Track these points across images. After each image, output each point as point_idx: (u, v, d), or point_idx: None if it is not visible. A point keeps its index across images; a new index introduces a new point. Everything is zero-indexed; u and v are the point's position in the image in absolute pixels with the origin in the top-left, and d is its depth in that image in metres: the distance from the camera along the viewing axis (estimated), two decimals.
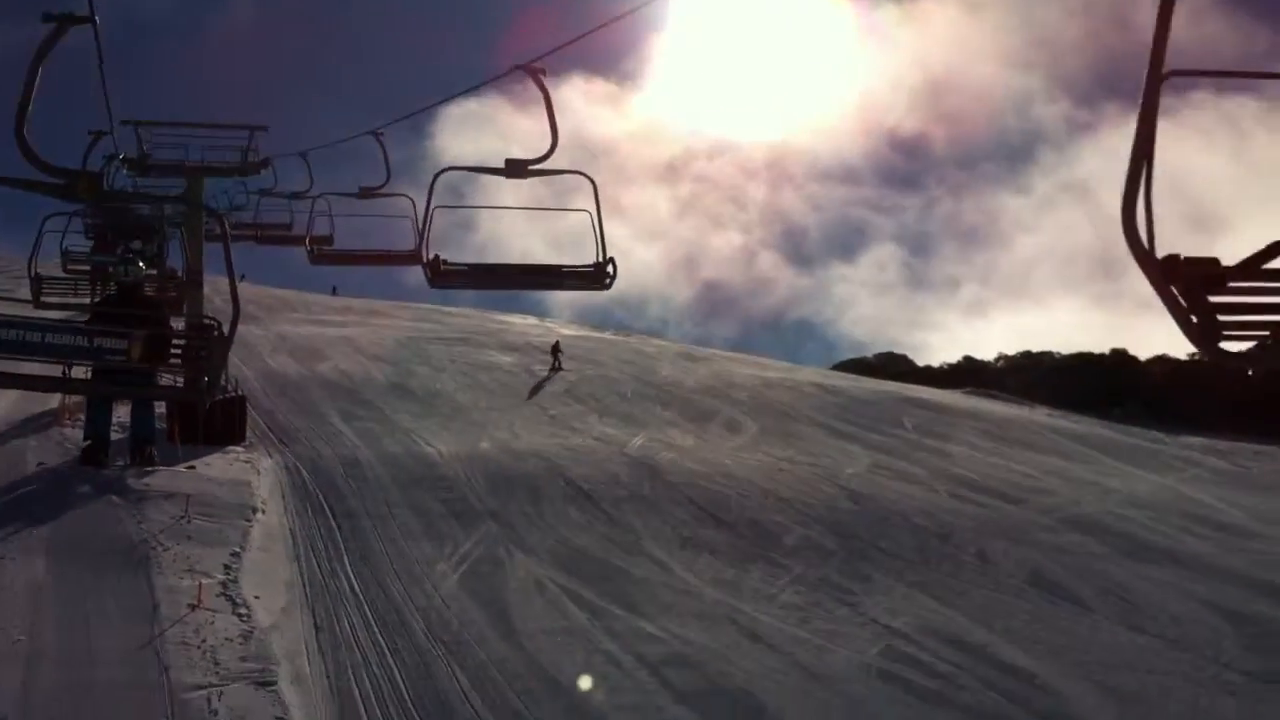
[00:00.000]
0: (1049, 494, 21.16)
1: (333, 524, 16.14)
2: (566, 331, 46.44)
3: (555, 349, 33.84)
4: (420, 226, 17.01)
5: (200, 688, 9.85)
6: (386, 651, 11.63)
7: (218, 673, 10.22)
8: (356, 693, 10.59)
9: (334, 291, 55.87)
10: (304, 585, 13.56)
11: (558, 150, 15.54)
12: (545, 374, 31.61)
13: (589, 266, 16.57)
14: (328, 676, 10.90)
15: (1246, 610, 14.60)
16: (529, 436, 22.45)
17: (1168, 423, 50.47)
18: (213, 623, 11.43)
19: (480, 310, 56.49)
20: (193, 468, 17.50)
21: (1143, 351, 76.04)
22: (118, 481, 16.28)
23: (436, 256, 16.31)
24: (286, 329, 37.02)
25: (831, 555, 16.13)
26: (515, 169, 15.57)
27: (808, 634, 12.93)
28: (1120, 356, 78.47)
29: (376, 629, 12.26)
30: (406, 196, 25.45)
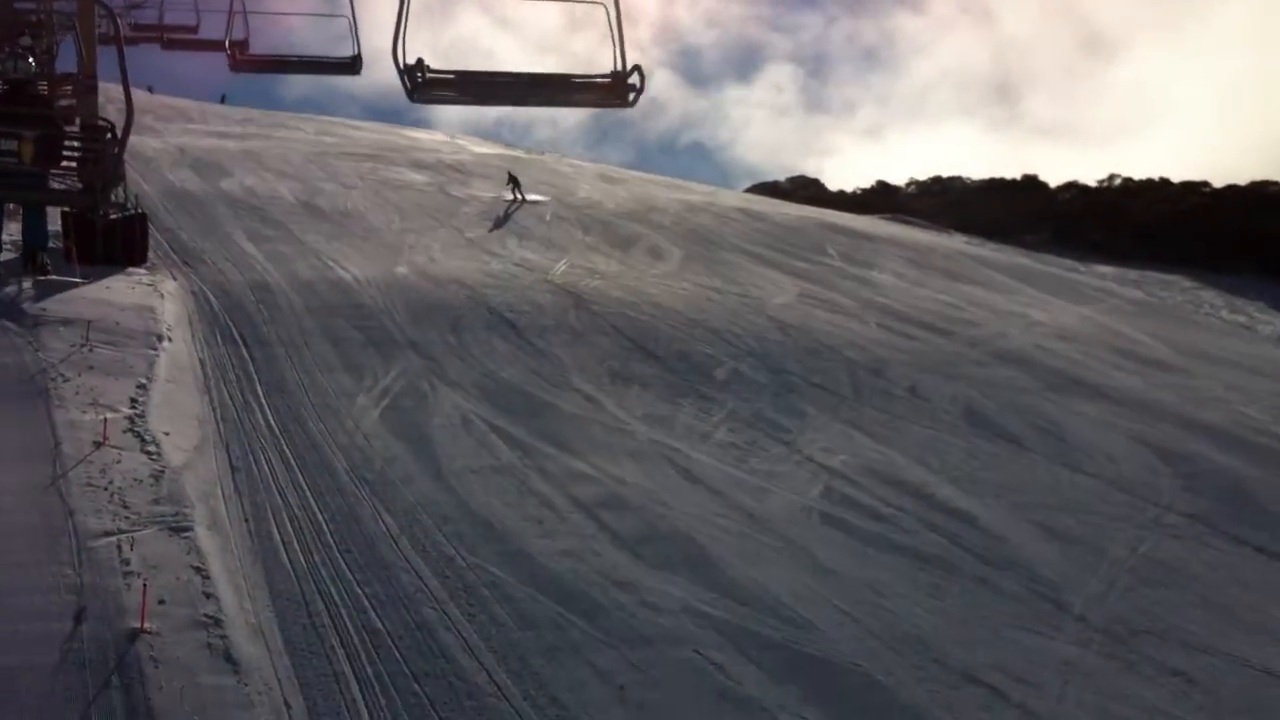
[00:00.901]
0: (976, 325, 20.94)
1: (245, 354, 15.34)
2: (478, 149, 45.06)
3: (514, 179, 30.94)
4: (396, 27, 13.80)
5: (109, 534, 9.20)
6: (308, 493, 11.02)
7: (128, 517, 9.56)
8: (278, 538, 9.99)
9: (222, 100, 53.47)
10: (217, 421, 12.83)
11: None
12: (509, 207, 29.10)
13: (606, 76, 14.42)
14: (246, 520, 10.28)
15: (1180, 449, 14.54)
16: (447, 261, 21.60)
17: (1078, 249, 50.99)
18: (120, 461, 10.71)
19: (385, 124, 54.64)
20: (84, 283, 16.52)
21: (1052, 178, 76.25)
22: (11, 305, 15.27)
23: (419, 61, 13.89)
24: (187, 141, 35.23)
25: (764, 389, 15.74)
26: None
27: (745, 474, 12.57)
28: (1031, 182, 78.66)
29: (296, 468, 11.62)
30: None
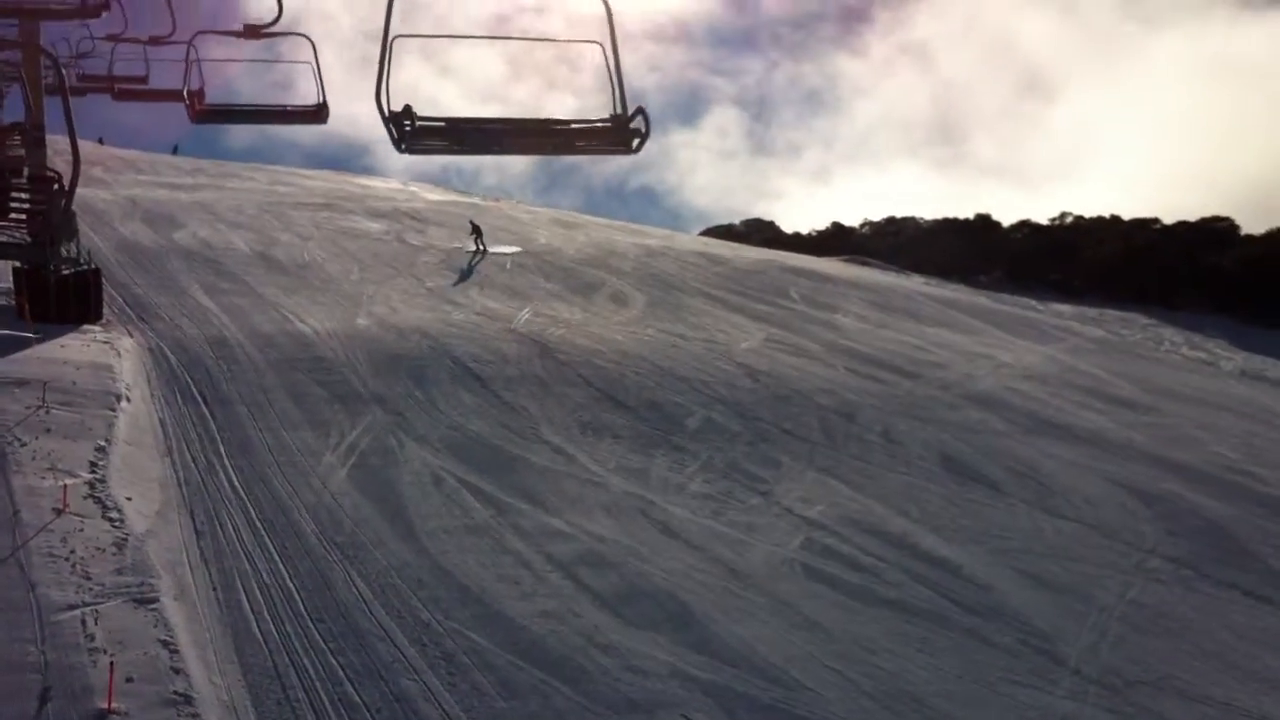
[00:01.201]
0: (943, 367, 20.84)
1: (205, 412, 14.94)
2: (431, 196, 44.79)
3: (476, 229, 29.88)
4: (380, 72, 12.11)
5: (73, 607, 8.83)
6: (277, 558, 10.67)
7: (91, 589, 9.19)
8: (248, 607, 9.65)
9: (175, 150, 53.07)
10: (179, 483, 12.45)
11: None
12: (472, 259, 28.29)
13: (607, 121, 13.18)
14: (214, 589, 9.93)
15: (1156, 489, 14.43)
16: (408, 311, 21.26)
17: (1032, 288, 51.33)
18: (81, 529, 10.33)
19: (336, 172, 54.36)
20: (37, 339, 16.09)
21: (1003, 217, 76.92)
22: None
23: (407, 107, 12.74)
24: (137, 193, 34.74)
25: (737, 438, 15.52)
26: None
27: (724, 527, 12.33)
28: (984, 221, 79.30)
29: (264, 532, 11.27)
30: (305, 37, 22.89)
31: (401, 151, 12.72)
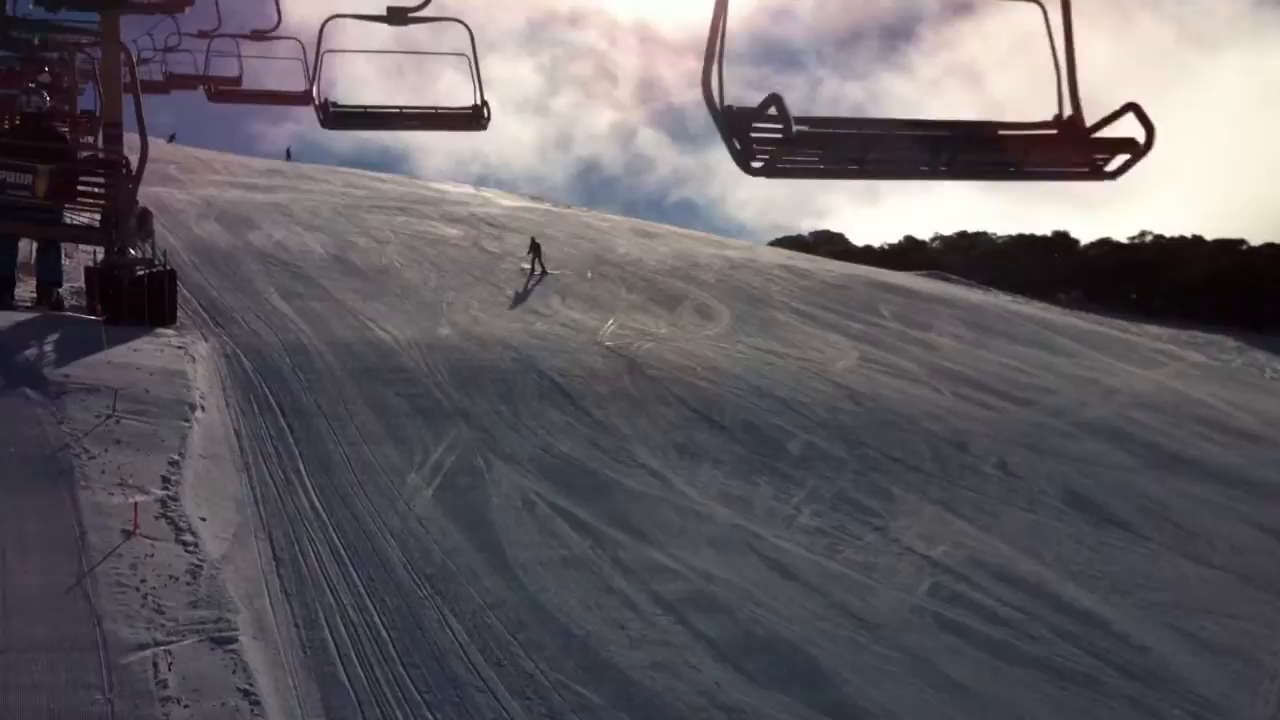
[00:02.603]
0: (1051, 393, 19.69)
1: (283, 424, 14.15)
2: (505, 202, 44.10)
3: (535, 248, 26.49)
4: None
5: (143, 646, 7.98)
6: (363, 591, 9.80)
7: (164, 625, 8.34)
8: (334, 648, 8.76)
9: (288, 156, 53.26)
10: (257, 502, 11.63)
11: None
12: (528, 281, 25.06)
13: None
14: (296, 626, 9.05)
15: None
16: (491, 321, 20.42)
17: (1111, 307, 49.85)
18: (152, 554, 9.51)
19: (409, 176, 54.12)
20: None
21: (1082, 235, 75.17)
22: (31, 370, 14.11)
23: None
24: (211, 193, 34.25)
25: (843, 466, 14.50)
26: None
27: (841, 566, 11.31)
28: (1061, 238, 77.63)
29: (348, 560, 10.40)
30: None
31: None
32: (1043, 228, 77.38)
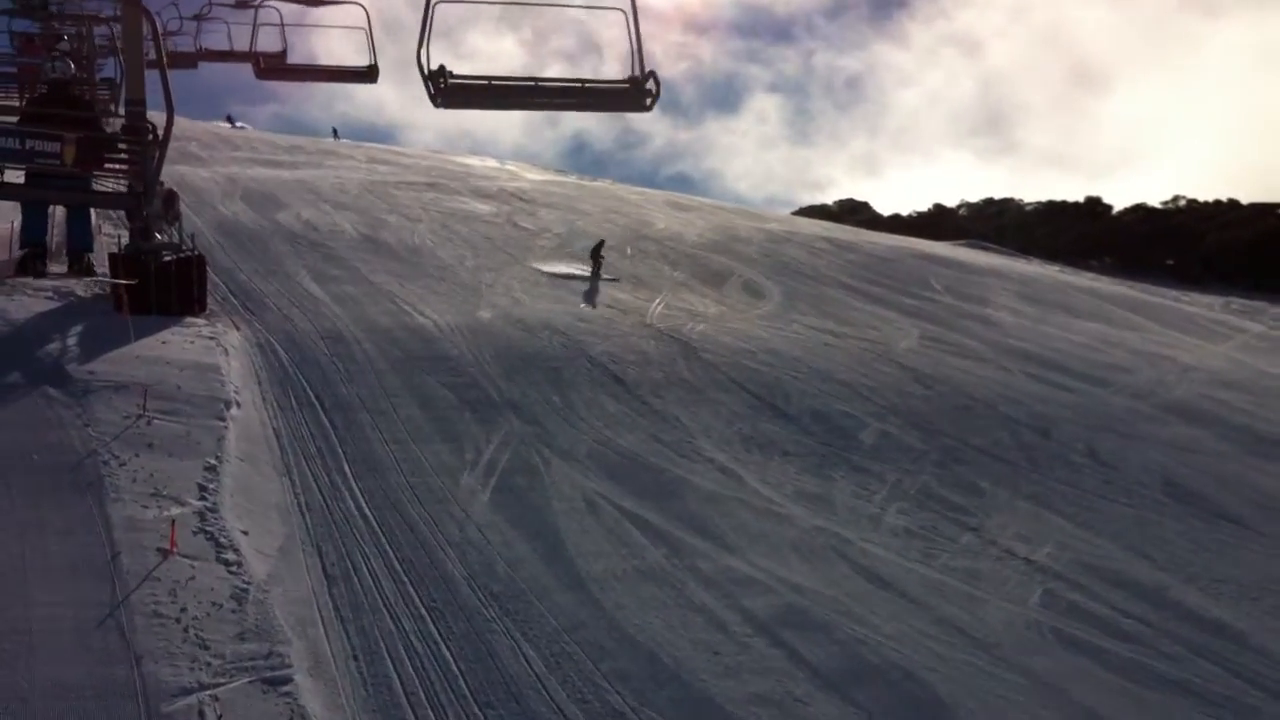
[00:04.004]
0: (1126, 371, 18.65)
1: (324, 420, 13.22)
2: (532, 176, 43.12)
3: (598, 250, 23.44)
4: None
5: (187, 691, 7.07)
6: (425, 614, 8.86)
7: (209, 663, 7.43)
8: (399, 685, 7.83)
9: (335, 135, 52.18)
10: (301, 510, 10.70)
11: None
12: (591, 281, 22.22)
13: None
14: (355, 658, 8.12)
15: None
16: (532, 303, 19.42)
17: (1147, 275, 48.67)
18: (193, 578, 8.60)
19: (433, 151, 53.27)
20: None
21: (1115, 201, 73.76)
22: (54, 367, 13.21)
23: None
24: (235, 170, 33.28)
25: (923, 457, 13.52)
26: None
27: (940, 574, 10.34)
28: (1094, 205, 76.22)
29: (405, 578, 9.47)
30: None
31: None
32: (1057, 194, 76.08)
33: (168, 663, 7.35)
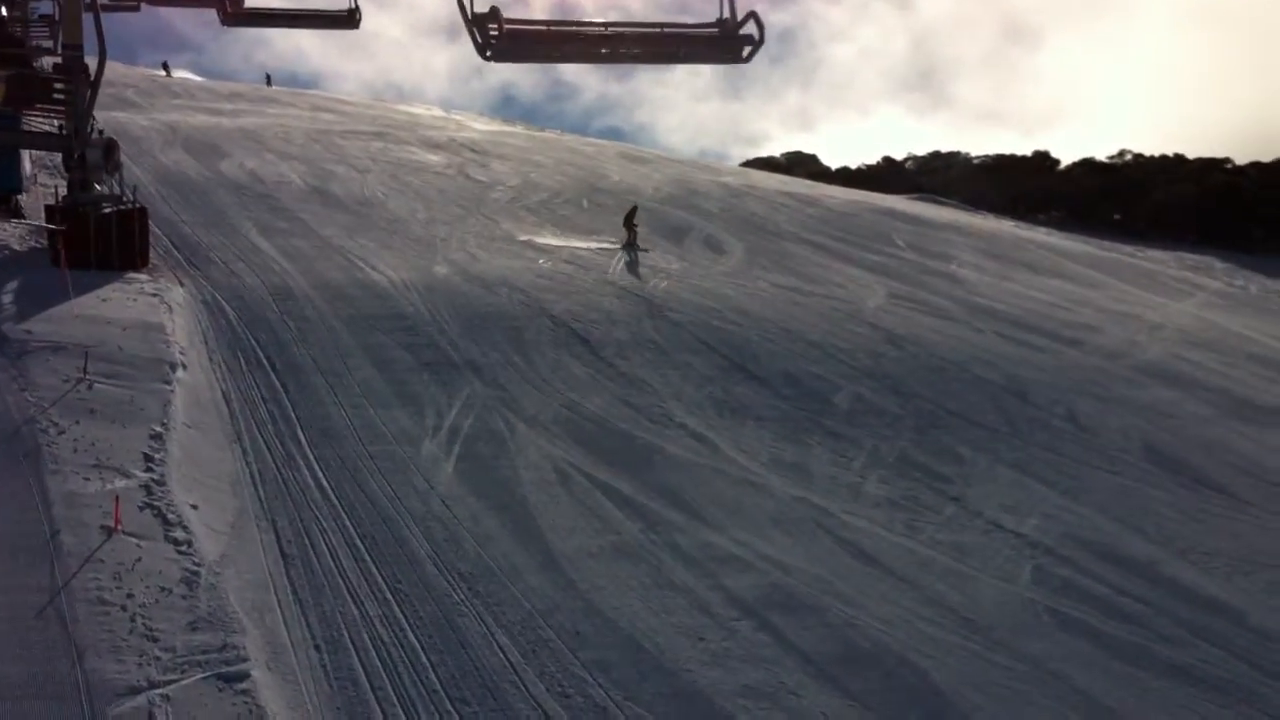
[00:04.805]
0: (1096, 331, 18.32)
1: (275, 382, 12.57)
2: (480, 126, 42.15)
3: (631, 217, 21.83)
4: None
5: (135, 690, 6.49)
6: (390, 597, 8.30)
7: (159, 659, 6.84)
8: (364, 678, 7.27)
9: (268, 81, 50.53)
10: (254, 482, 10.08)
11: None
12: (624, 255, 20.36)
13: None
14: (316, 647, 7.55)
15: None
16: (490, 258, 18.74)
17: (1095, 229, 48.64)
18: (139, 559, 7.98)
19: (375, 98, 52.15)
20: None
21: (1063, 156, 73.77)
22: None
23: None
24: (176, 118, 32.13)
25: (900, 422, 13.09)
26: None
27: (927, 548, 9.91)
28: (1042, 159, 76.11)
29: (367, 556, 8.90)
30: None
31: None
32: (992, 149, 75.84)
33: (113, 658, 6.75)
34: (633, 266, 19.23)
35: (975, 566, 9.63)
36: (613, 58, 13.17)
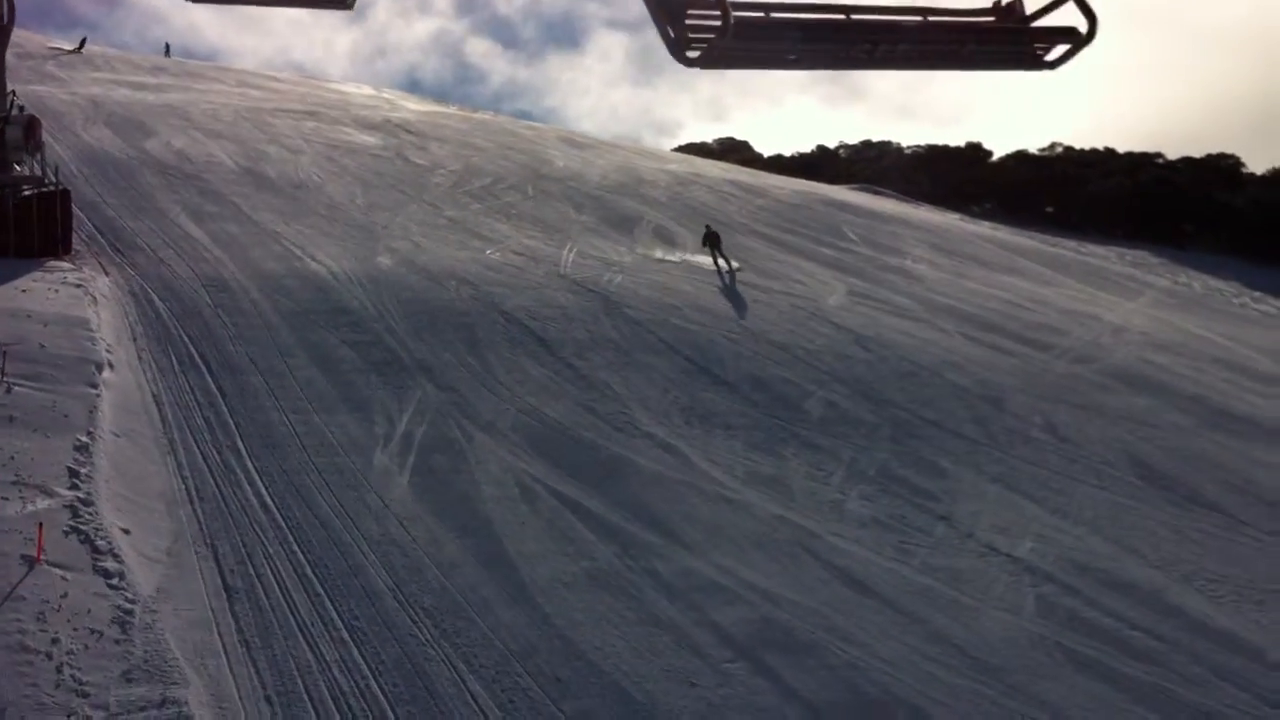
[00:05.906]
0: (1060, 333, 17.87)
1: (211, 385, 11.62)
2: (414, 106, 40.96)
3: (710, 234, 19.97)
4: None
5: None
6: (348, 638, 7.46)
7: (89, 718, 5.97)
8: None
9: (167, 51, 48.67)
10: (191, 499, 9.16)
11: None
12: (723, 267, 19.11)
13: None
14: (268, 700, 6.70)
15: None
16: (436, 248, 17.81)
17: (1027, 221, 48.69)
18: (65, 595, 7.08)
19: (303, 75, 50.72)
20: None
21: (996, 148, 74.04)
22: None
23: None
24: (97, 92, 30.70)
25: (876, 432, 12.45)
26: None
27: (922, 575, 9.26)
28: (975, 150, 76.30)
29: (320, 587, 8.04)
30: None
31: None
32: (907, 140, 76.10)
33: (37, 717, 5.87)
34: (728, 283, 18.23)
35: (976, 596, 8.99)
36: (845, 63, 8.00)
